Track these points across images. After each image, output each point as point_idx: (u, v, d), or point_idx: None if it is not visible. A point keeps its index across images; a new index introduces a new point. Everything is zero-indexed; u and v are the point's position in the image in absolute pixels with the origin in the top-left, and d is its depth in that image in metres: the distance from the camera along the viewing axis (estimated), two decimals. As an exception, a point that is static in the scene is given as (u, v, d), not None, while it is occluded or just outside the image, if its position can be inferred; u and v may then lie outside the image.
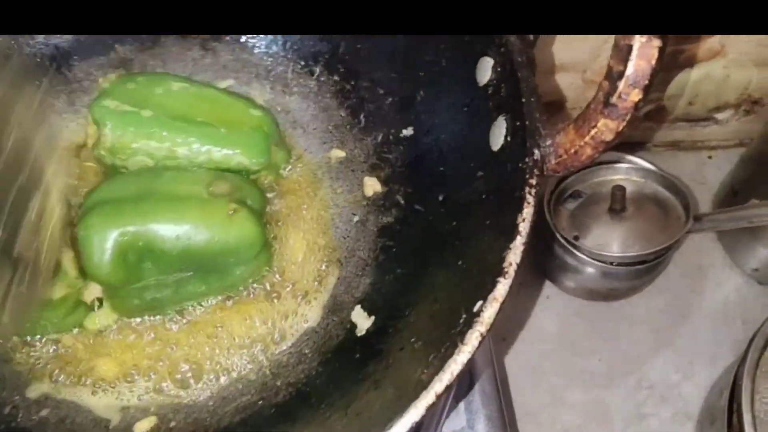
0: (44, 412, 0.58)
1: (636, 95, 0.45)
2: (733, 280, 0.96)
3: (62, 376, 0.59)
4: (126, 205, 0.56)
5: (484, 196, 0.55)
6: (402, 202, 0.65)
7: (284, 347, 0.61)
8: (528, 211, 0.48)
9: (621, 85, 0.45)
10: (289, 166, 0.69)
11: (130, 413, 0.58)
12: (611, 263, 0.84)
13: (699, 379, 0.91)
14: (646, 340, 0.94)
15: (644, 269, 0.87)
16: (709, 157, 1.05)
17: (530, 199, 0.49)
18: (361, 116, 0.71)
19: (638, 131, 1.04)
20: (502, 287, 0.46)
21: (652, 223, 0.87)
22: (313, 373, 0.58)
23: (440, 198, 0.61)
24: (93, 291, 0.60)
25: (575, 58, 0.90)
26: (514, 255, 0.47)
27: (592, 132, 0.48)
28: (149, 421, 0.58)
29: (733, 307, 0.94)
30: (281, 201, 0.68)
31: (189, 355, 0.60)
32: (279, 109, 0.72)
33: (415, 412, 0.42)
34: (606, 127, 0.47)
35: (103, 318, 0.60)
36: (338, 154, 0.70)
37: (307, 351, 0.60)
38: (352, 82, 0.72)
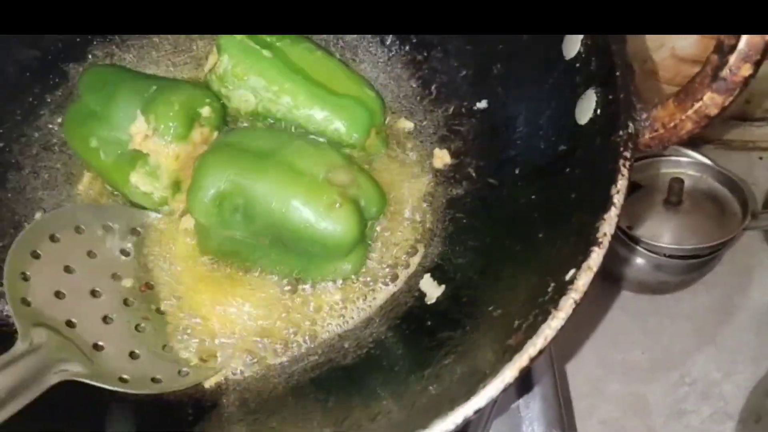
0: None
1: (747, 70, 0.45)
2: (780, 282, 0.95)
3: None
4: (247, 156, 0.56)
5: (568, 170, 0.54)
6: (474, 174, 0.64)
7: (351, 311, 0.60)
8: (622, 183, 0.48)
9: (732, 59, 0.45)
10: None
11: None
12: (665, 255, 0.83)
13: (740, 378, 0.90)
14: (689, 336, 0.93)
15: (697, 264, 0.87)
16: (760, 158, 1.04)
17: (624, 171, 0.48)
18: (433, 87, 0.70)
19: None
20: (596, 256, 0.45)
21: (708, 218, 0.86)
22: (382, 337, 0.58)
23: (516, 171, 0.60)
24: (185, 221, 0.60)
25: (635, 47, 0.89)
26: (609, 226, 0.46)
27: (696, 106, 0.47)
28: (219, 376, 0.58)
29: (779, 308, 0.94)
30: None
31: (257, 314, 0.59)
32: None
33: (509, 374, 0.42)
34: (712, 101, 0.46)
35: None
36: (406, 124, 0.69)
37: (373, 315, 0.60)
38: (425, 53, 0.71)
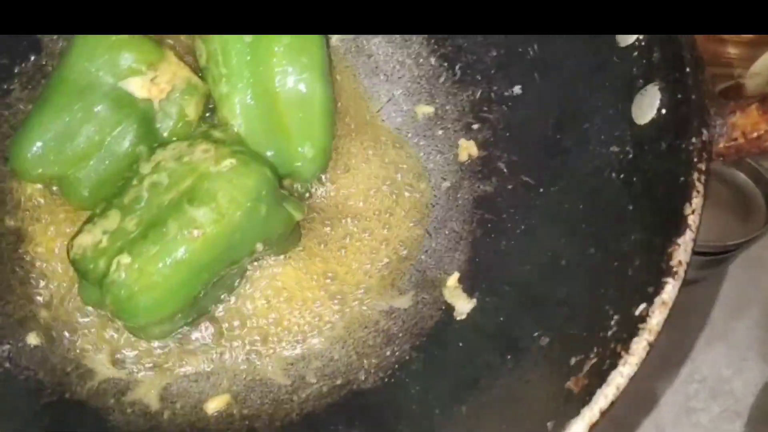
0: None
1: None
2: (794, 276, 0.92)
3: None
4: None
5: (623, 177, 0.48)
6: (505, 170, 0.57)
7: (368, 325, 0.54)
8: (697, 202, 0.42)
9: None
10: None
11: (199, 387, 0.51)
12: (686, 251, 0.78)
13: (751, 376, 0.87)
14: (700, 331, 0.89)
15: (716, 260, 0.82)
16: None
17: (700, 187, 0.42)
18: (457, 67, 0.62)
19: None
20: (671, 289, 0.40)
21: (730, 212, 0.81)
22: (406, 358, 0.52)
23: (557, 171, 0.53)
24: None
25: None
26: (684, 253, 0.40)
27: (788, 116, 0.41)
28: (223, 399, 0.51)
29: (792, 304, 0.90)
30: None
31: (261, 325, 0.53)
32: (358, 52, 0.64)
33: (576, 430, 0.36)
34: (807, 113, 0.40)
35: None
36: (426, 109, 0.62)
37: (395, 331, 0.54)
38: (448, 27, 0.63)
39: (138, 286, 0.47)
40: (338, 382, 0.52)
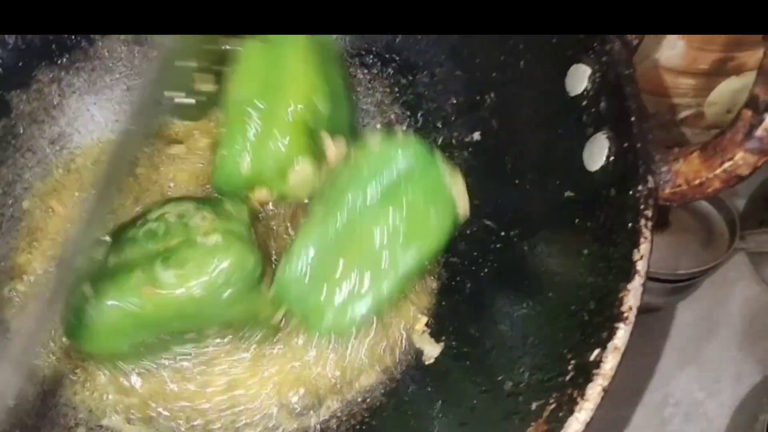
0: None
1: (786, 130, 0.41)
2: (761, 296, 0.94)
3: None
4: None
5: (577, 221, 0.50)
6: (467, 214, 0.59)
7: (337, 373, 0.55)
8: (645, 248, 0.44)
9: (768, 117, 0.41)
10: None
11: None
12: (650, 278, 0.80)
13: (724, 397, 0.89)
14: (672, 355, 0.91)
15: (683, 286, 0.84)
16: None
17: (647, 233, 0.44)
18: (419, 115, 0.64)
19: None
20: (623, 334, 0.41)
21: (694, 239, 0.83)
22: (377, 404, 0.53)
23: (515, 215, 0.55)
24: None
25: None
26: (634, 298, 0.42)
27: (726, 165, 0.43)
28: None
29: (760, 323, 0.92)
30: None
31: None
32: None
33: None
34: (744, 161, 0.42)
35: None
36: (390, 155, 0.64)
37: (363, 382, 0.55)
38: (409, 77, 0.65)
39: (88, 318, 0.49)
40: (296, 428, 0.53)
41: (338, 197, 0.53)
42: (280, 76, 0.55)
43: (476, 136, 0.61)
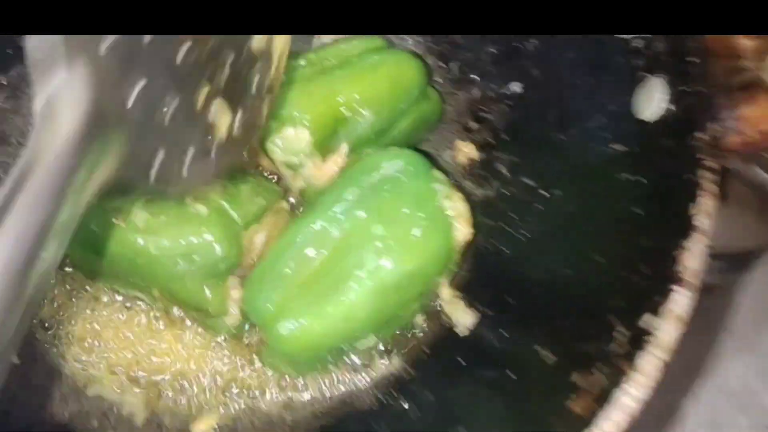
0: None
1: None
2: (825, 280, 0.86)
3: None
4: None
5: (627, 176, 0.44)
6: (506, 173, 0.54)
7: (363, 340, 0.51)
8: (707, 203, 0.38)
9: None
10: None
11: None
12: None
13: (782, 387, 0.82)
14: (726, 342, 0.84)
15: (737, 265, 0.78)
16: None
17: (708, 186, 0.39)
18: (453, 65, 0.59)
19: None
20: (680, 299, 0.36)
21: (751, 213, 0.76)
22: (405, 377, 0.48)
23: (560, 172, 0.50)
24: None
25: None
26: (693, 258, 0.37)
27: (808, 104, 0.37)
28: (209, 420, 0.49)
29: (824, 309, 0.85)
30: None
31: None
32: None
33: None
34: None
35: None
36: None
37: (390, 347, 0.51)
38: (444, 25, 0.60)
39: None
40: (334, 402, 0.49)
41: (319, 199, 0.49)
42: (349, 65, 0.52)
43: (515, 87, 0.55)
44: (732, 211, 0.76)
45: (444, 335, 0.50)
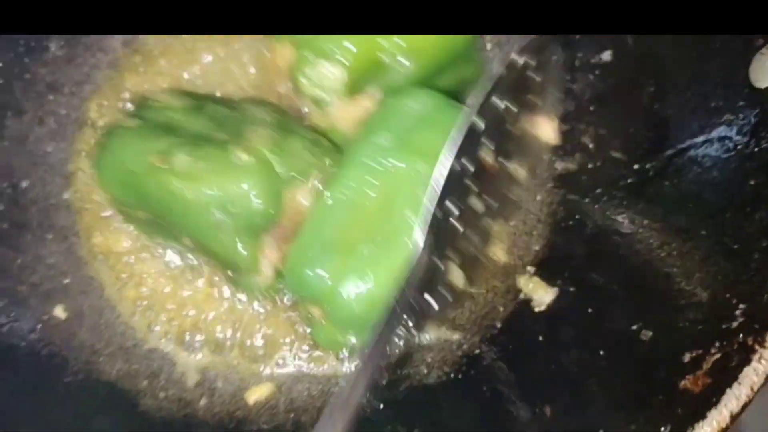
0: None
1: None
2: None
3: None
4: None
5: (739, 147, 0.40)
6: (590, 145, 0.51)
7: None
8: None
9: None
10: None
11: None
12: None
13: None
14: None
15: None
16: None
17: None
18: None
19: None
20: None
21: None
22: (476, 351, 0.45)
23: (653, 145, 0.46)
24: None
25: None
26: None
27: None
28: (266, 388, 0.46)
29: None
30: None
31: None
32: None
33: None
34: None
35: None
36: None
37: (462, 321, 0.47)
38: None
39: (114, 147, 0.46)
40: (397, 375, 0.46)
41: (349, 154, 0.46)
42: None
43: (606, 56, 0.52)
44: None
45: (521, 311, 0.46)
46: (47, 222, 0.51)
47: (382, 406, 0.43)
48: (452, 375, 0.45)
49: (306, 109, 0.50)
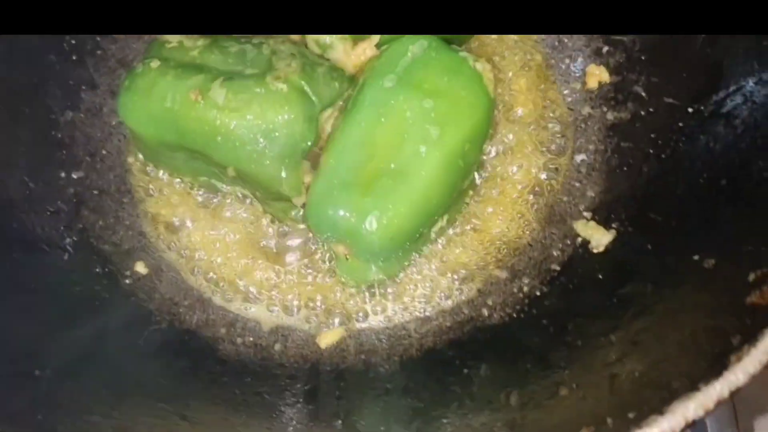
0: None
1: None
2: None
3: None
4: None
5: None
6: (643, 94, 0.51)
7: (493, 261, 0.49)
8: None
9: None
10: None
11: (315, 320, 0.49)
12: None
13: None
14: None
15: None
16: None
17: None
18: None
19: None
20: None
21: None
22: (536, 293, 0.46)
23: (708, 86, 0.47)
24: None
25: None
26: None
27: None
28: (336, 333, 0.48)
29: None
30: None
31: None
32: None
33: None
34: None
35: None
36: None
37: (522, 267, 0.49)
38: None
39: (142, 91, 0.48)
40: (460, 318, 0.47)
41: (358, 97, 0.47)
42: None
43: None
44: None
45: (579, 254, 0.47)
46: (124, 187, 0.54)
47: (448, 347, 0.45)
48: (514, 315, 0.46)
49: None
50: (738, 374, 0.29)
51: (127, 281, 0.50)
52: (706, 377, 0.29)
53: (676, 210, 0.44)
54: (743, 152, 0.42)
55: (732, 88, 0.46)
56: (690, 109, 0.47)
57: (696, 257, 0.39)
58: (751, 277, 0.35)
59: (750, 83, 0.44)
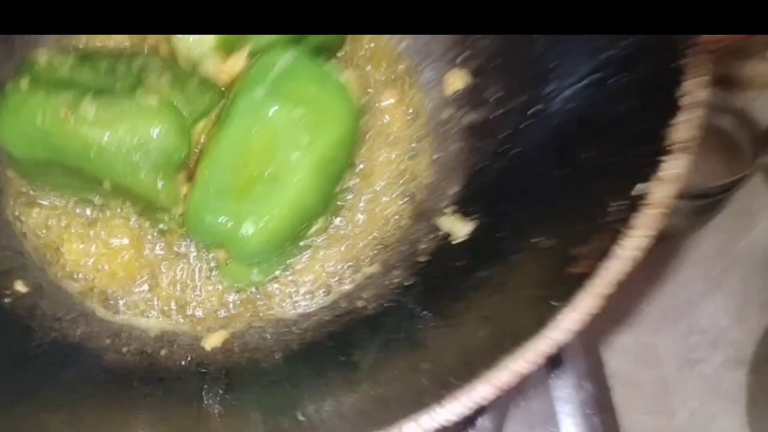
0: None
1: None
2: (784, 224, 0.92)
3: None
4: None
5: (616, 79, 0.47)
6: (494, 97, 0.56)
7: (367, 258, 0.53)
8: (693, 83, 0.41)
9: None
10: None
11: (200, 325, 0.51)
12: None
13: (751, 324, 0.87)
14: (696, 283, 0.89)
15: (705, 206, 0.82)
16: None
17: (699, 67, 0.41)
18: None
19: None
20: (672, 165, 0.39)
21: (716, 157, 0.82)
22: (406, 284, 0.51)
23: (553, 83, 0.52)
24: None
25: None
26: (682, 131, 0.40)
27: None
28: (221, 335, 0.50)
29: (785, 251, 0.91)
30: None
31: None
32: None
33: (586, 303, 0.35)
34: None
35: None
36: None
37: (392, 261, 0.53)
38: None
39: (14, 111, 0.48)
40: (338, 312, 0.51)
41: (230, 109, 0.50)
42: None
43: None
44: (700, 157, 0.81)
45: (444, 245, 0.52)
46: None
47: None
48: (387, 305, 0.50)
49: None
50: (557, 332, 0.35)
51: (7, 300, 0.50)
52: (530, 335, 0.34)
53: (522, 201, 0.50)
54: (573, 147, 0.48)
55: (566, 91, 0.52)
56: (530, 111, 0.53)
57: (534, 240, 0.45)
58: (572, 252, 0.40)
59: (581, 83, 0.51)
